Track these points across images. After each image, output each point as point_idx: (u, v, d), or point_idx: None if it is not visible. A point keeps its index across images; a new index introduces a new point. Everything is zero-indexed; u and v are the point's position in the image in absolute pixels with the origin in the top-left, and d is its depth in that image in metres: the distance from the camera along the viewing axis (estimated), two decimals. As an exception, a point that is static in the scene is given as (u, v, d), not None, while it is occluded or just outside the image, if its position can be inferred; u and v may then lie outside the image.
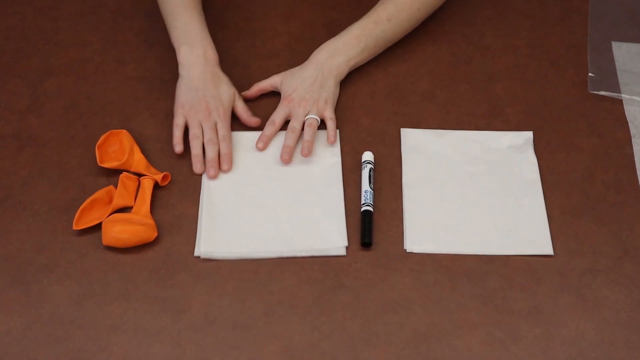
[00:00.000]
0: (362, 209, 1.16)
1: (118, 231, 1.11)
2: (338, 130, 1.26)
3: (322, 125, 1.26)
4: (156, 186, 1.19)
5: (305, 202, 1.17)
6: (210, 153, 1.20)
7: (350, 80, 1.31)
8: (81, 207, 1.15)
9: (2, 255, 1.12)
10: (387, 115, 1.29)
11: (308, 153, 1.21)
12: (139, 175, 1.19)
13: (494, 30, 1.42)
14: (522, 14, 1.45)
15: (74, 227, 1.13)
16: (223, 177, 1.20)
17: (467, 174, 1.21)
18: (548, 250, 1.14)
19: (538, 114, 1.30)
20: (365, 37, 1.30)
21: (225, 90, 1.24)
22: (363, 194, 1.17)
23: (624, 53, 1.38)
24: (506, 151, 1.24)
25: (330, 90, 1.27)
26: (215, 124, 1.22)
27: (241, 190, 1.19)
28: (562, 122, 1.29)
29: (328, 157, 1.23)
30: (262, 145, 1.23)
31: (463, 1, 1.45)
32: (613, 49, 1.39)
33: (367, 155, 1.22)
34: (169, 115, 1.25)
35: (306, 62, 1.29)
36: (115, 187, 1.18)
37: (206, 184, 1.19)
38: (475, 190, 1.20)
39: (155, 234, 1.13)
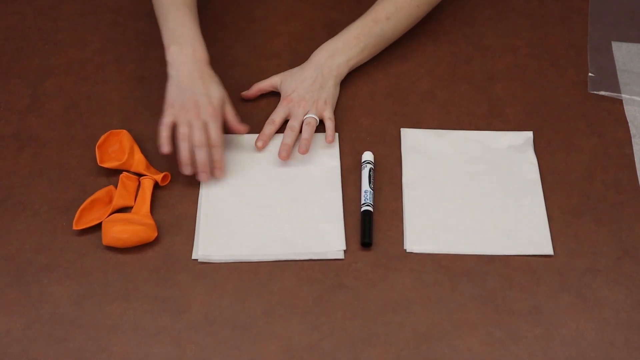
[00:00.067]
0: (362, 209, 1.16)
1: (118, 231, 1.11)
2: (337, 133, 1.25)
3: (322, 125, 1.26)
4: (156, 186, 1.19)
5: (303, 205, 1.17)
6: (201, 156, 1.17)
7: (350, 80, 1.31)
8: (81, 207, 1.15)
9: (2, 255, 1.12)
10: (387, 115, 1.29)
11: (305, 151, 1.21)
12: (139, 175, 1.19)
13: (494, 30, 1.42)
14: (522, 14, 1.45)
15: (74, 227, 1.13)
16: (221, 180, 1.20)
17: (467, 174, 1.21)
18: (548, 250, 1.14)
19: (538, 114, 1.30)
20: (365, 36, 1.30)
21: (215, 89, 1.20)
22: (363, 194, 1.17)
23: (624, 53, 1.38)
24: (506, 151, 1.24)
25: (329, 91, 1.27)
26: (206, 125, 1.18)
27: (239, 193, 1.19)
28: (562, 122, 1.29)
29: (327, 160, 1.22)
30: (262, 145, 1.23)
31: (463, 1, 1.45)
32: (613, 49, 1.39)
33: (367, 155, 1.22)
34: (169, 115, 1.25)
35: (306, 63, 1.29)
36: (115, 187, 1.18)
37: (205, 186, 1.19)
38: (475, 190, 1.20)
39: (155, 234, 1.13)
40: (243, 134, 1.23)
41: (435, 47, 1.38)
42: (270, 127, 1.25)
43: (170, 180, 1.20)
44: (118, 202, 1.16)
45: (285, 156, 1.21)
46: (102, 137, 1.22)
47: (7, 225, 1.15)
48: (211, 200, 1.18)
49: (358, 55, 1.30)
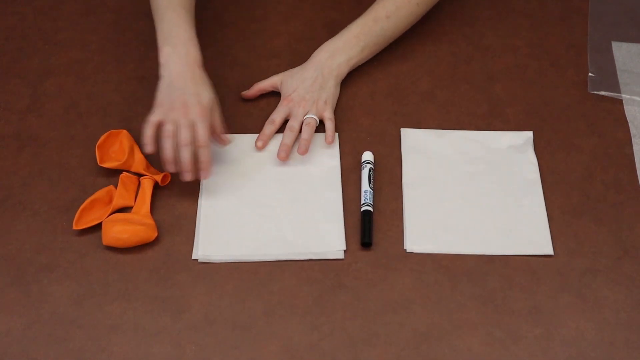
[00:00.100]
0: (362, 209, 1.16)
1: (118, 231, 1.11)
2: (337, 133, 1.25)
3: (322, 126, 1.26)
4: (156, 186, 1.19)
5: (303, 205, 1.17)
6: (185, 156, 1.14)
7: (350, 80, 1.31)
8: (81, 207, 1.15)
9: (2, 255, 1.12)
10: (387, 115, 1.29)
11: (305, 151, 1.21)
12: (139, 175, 1.19)
13: (494, 30, 1.42)
14: (522, 14, 1.45)
15: (74, 227, 1.13)
16: (221, 180, 1.20)
17: (467, 174, 1.21)
18: (548, 250, 1.14)
19: (538, 114, 1.30)
20: (365, 35, 1.29)
21: (206, 91, 1.17)
22: (363, 194, 1.17)
23: (624, 53, 1.38)
24: (506, 151, 1.24)
25: (330, 91, 1.27)
26: (193, 125, 1.14)
27: (239, 193, 1.19)
28: (562, 122, 1.29)
29: (327, 160, 1.22)
30: (262, 145, 1.23)
31: (463, 1, 1.45)
32: (613, 49, 1.39)
33: (367, 155, 1.22)
34: (169, 115, 1.25)
35: (306, 63, 1.29)
36: (115, 187, 1.18)
37: (205, 186, 1.19)
38: (475, 190, 1.20)
39: (155, 234, 1.13)
40: (224, 145, 1.20)
41: (435, 47, 1.38)
42: (270, 127, 1.25)
43: (170, 180, 1.19)
44: (118, 202, 1.16)
45: (284, 157, 1.21)
46: (102, 137, 1.22)
47: (7, 225, 1.15)
48: (211, 200, 1.18)
49: (358, 54, 1.30)
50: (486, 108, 1.30)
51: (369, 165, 1.20)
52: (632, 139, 1.26)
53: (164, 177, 1.18)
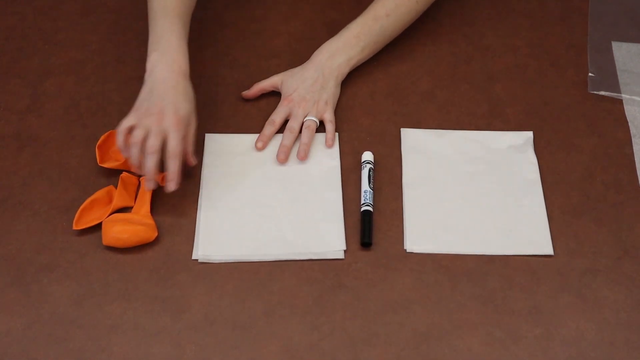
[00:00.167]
0: (362, 209, 1.16)
1: (118, 231, 1.11)
2: (337, 134, 1.25)
3: (322, 126, 1.26)
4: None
5: (303, 205, 1.17)
6: (148, 164, 1.11)
7: (350, 80, 1.31)
8: (81, 207, 1.15)
9: (2, 255, 1.12)
10: (387, 115, 1.29)
11: (305, 157, 1.21)
12: (139, 175, 1.19)
13: (494, 30, 1.42)
14: (522, 14, 1.45)
15: (74, 227, 1.13)
16: (221, 180, 1.20)
17: (467, 174, 1.21)
18: (548, 250, 1.14)
19: (538, 114, 1.30)
20: (365, 35, 1.29)
21: (185, 102, 1.14)
22: (363, 194, 1.17)
23: (624, 53, 1.38)
24: (506, 151, 1.24)
25: (330, 92, 1.27)
26: (165, 134, 1.11)
27: (239, 193, 1.19)
28: (562, 122, 1.29)
29: (327, 161, 1.22)
30: (262, 145, 1.23)
31: (463, 1, 1.45)
32: (613, 49, 1.39)
33: (367, 155, 1.22)
34: (169, 115, 1.24)
35: (307, 63, 1.29)
36: (115, 187, 1.18)
37: (205, 186, 1.19)
38: (475, 190, 1.20)
39: (155, 234, 1.13)
40: (190, 164, 1.17)
41: (435, 47, 1.38)
42: (270, 127, 1.24)
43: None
44: (118, 202, 1.16)
45: (284, 159, 1.21)
46: (102, 137, 1.22)
47: (7, 225, 1.15)
48: (211, 200, 1.18)
49: (359, 54, 1.30)
50: (486, 108, 1.30)
51: (369, 165, 1.20)
52: (632, 139, 1.26)
53: (164, 177, 1.18)
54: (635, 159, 1.24)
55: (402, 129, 1.27)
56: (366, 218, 1.15)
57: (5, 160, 1.22)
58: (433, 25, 1.40)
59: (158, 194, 1.18)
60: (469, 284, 1.10)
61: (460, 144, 1.25)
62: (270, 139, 1.24)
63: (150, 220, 1.14)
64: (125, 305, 1.08)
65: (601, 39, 1.40)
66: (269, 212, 1.17)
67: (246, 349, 1.04)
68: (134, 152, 1.12)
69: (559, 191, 1.20)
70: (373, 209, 1.16)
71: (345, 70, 1.29)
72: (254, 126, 1.26)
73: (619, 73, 1.35)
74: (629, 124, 1.28)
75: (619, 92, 1.32)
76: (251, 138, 1.24)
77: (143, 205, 1.16)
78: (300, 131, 1.24)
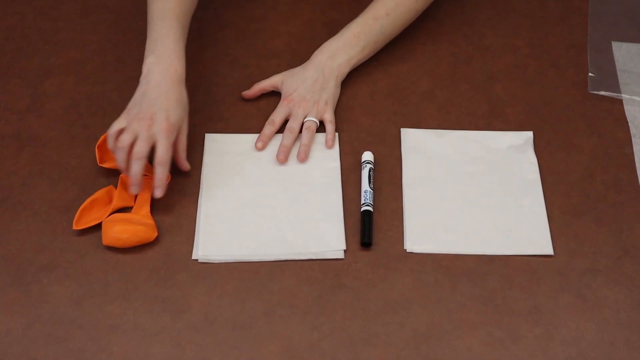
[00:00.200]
0: (362, 209, 1.16)
1: (118, 231, 1.11)
2: (337, 134, 1.25)
3: (322, 126, 1.26)
4: (156, 186, 1.19)
5: (303, 205, 1.17)
6: (134, 169, 1.10)
7: (350, 80, 1.31)
8: (81, 207, 1.15)
9: (2, 255, 1.12)
10: (387, 115, 1.29)
11: (305, 158, 1.21)
12: (139, 175, 1.19)
13: (494, 30, 1.42)
14: (522, 14, 1.45)
15: (74, 227, 1.13)
16: (221, 180, 1.20)
17: (467, 174, 1.21)
18: (548, 250, 1.14)
19: (538, 114, 1.30)
20: (365, 34, 1.29)
21: (177, 108, 1.14)
22: (363, 193, 1.17)
23: (624, 53, 1.38)
24: (506, 151, 1.24)
25: (330, 92, 1.27)
26: (154, 139, 1.11)
27: (239, 193, 1.19)
28: (562, 122, 1.29)
29: (327, 161, 1.22)
30: (262, 145, 1.23)
31: (463, 1, 1.45)
32: (613, 49, 1.39)
33: (367, 155, 1.22)
34: (169, 115, 1.24)
35: (307, 63, 1.29)
36: (115, 187, 1.18)
37: (205, 186, 1.19)
38: (475, 190, 1.20)
39: (155, 234, 1.13)
40: (185, 170, 1.18)
41: (435, 47, 1.38)
42: (270, 127, 1.24)
43: (170, 181, 1.19)
44: (118, 202, 1.16)
45: (283, 159, 1.21)
46: (102, 137, 1.22)
47: (7, 225, 1.15)
48: (211, 200, 1.18)
49: (359, 54, 1.30)
50: (486, 108, 1.30)
51: (369, 165, 1.20)
52: (632, 139, 1.26)
53: (150, 182, 1.18)
54: (635, 159, 1.24)
55: (402, 129, 1.27)
56: (366, 218, 1.15)
57: (5, 160, 1.22)
58: (433, 25, 1.40)
59: (158, 194, 1.18)
60: (469, 284, 1.10)
61: (460, 144, 1.25)
62: (270, 139, 1.24)
63: (150, 220, 1.14)
64: (125, 305, 1.08)
65: (601, 39, 1.40)
66: (269, 212, 1.17)
67: (246, 349, 1.04)
68: (121, 156, 1.12)
69: (559, 191, 1.20)
70: (373, 209, 1.16)
71: (346, 70, 1.29)
72: (254, 126, 1.26)
73: (619, 73, 1.35)
74: (629, 124, 1.28)
75: (619, 92, 1.32)
76: (251, 138, 1.25)
77: (143, 205, 1.16)
78: (300, 131, 1.24)
